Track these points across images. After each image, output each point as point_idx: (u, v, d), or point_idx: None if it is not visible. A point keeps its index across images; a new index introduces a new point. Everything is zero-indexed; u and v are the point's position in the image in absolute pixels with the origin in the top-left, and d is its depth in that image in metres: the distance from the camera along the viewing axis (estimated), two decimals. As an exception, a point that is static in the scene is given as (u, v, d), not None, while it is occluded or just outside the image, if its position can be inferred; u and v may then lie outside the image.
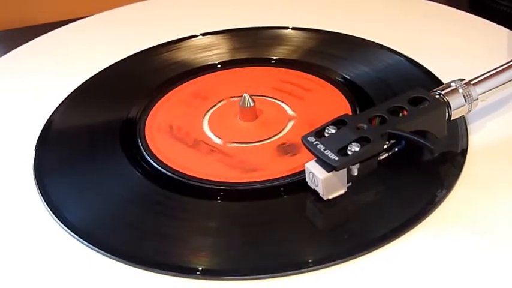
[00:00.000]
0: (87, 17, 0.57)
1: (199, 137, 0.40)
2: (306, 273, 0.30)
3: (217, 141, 0.40)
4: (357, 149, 0.32)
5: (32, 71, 0.50)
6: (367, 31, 0.50)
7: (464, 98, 0.36)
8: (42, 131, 0.42)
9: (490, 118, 0.40)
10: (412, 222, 0.32)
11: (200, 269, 0.31)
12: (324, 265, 0.30)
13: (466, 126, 0.38)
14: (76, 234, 0.33)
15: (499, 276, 0.29)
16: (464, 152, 0.37)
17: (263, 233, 0.33)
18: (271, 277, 0.30)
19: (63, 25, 0.56)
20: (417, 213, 0.32)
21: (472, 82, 0.37)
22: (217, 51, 0.49)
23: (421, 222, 0.32)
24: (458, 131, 0.38)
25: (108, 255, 0.32)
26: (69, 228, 0.33)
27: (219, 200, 0.35)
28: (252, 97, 0.41)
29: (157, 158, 0.38)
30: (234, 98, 0.43)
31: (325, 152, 0.32)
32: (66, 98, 0.45)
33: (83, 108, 0.44)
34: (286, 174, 0.36)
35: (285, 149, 0.38)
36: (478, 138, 0.38)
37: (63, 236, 0.33)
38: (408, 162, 0.35)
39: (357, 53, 0.48)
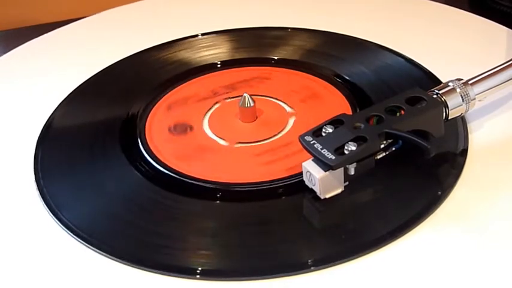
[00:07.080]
0: (87, 17, 0.57)
1: (199, 137, 0.40)
2: (304, 274, 0.30)
3: (217, 141, 0.40)
4: (354, 148, 0.32)
5: (32, 71, 0.50)
6: (367, 31, 0.50)
7: (462, 97, 0.36)
8: (42, 130, 0.42)
9: (490, 117, 0.40)
10: (411, 223, 0.32)
11: (199, 269, 0.31)
12: (322, 266, 0.30)
13: (466, 126, 0.38)
14: (75, 235, 0.33)
15: (499, 276, 0.29)
16: (464, 152, 0.36)
17: (261, 233, 0.33)
18: (270, 278, 0.30)
19: (63, 25, 0.56)
20: (417, 213, 0.32)
21: (469, 82, 0.37)
22: (218, 51, 0.49)
23: (421, 222, 0.32)
24: (458, 130, 0.38)
25: (107, 255, 0.32)
26: (68, 229, 0.34)
27: (218, 200, 0.35)
28: (252, 97, 0.41)
29: (157, 157, 0.38)
30: (234, 98, 0.43)
31: (322, 151, 0.32)
32: (66, 97, 0.45)
33: (83, 108, 0.44)
34: (285, 176, 0.36)
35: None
36: (478, 138, 0.38)
37: (62, 236, 0.33)
38: (407, 162, 0.35)
39: (356, 54, 0.48)
